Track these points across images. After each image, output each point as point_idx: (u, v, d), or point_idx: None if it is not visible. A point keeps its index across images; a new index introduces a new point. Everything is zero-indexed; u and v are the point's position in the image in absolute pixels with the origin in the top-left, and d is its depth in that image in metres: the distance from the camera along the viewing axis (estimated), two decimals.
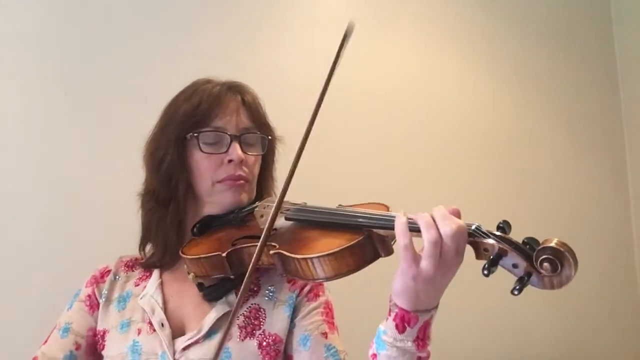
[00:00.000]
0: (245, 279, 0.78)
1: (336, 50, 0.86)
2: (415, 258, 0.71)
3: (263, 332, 0.95)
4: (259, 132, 1.05)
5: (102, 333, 1.02)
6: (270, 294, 0.99)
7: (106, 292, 1.05)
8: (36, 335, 1.06)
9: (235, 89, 1.05)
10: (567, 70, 2.40)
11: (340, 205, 0.93)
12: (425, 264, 0.70)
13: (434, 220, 0.71)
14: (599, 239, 2.35)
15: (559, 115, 2.37)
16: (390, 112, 2.11)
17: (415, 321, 0.74)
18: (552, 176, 2.32)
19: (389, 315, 0.76)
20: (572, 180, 2.36)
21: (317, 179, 1.83)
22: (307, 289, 1.00)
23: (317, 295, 1.00)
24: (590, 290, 2.22)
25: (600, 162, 2.43)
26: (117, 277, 1.08)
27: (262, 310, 0.97)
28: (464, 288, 1.95)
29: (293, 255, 0.79)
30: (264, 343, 0.94)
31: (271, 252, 0.84)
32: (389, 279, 0.77)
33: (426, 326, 0.75)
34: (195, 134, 1.00)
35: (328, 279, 0.78)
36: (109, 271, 1.09)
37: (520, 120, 2.31)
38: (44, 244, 1.61)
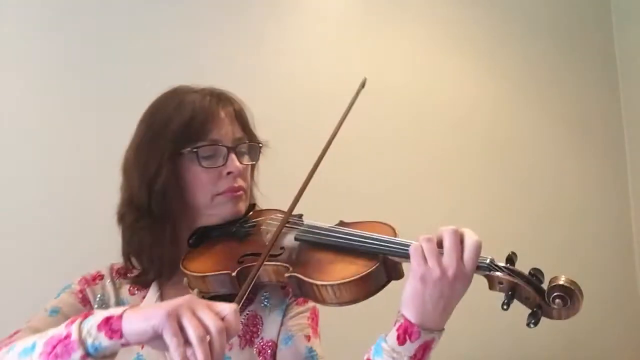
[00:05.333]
0: (243, 293, 0.77)
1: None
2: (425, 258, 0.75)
3: (262, 339, 0.96)
4: (250, 141, 1.06)
5: None
6: (265, 300, 1.01)
7: (101, 296, 1.02)
8: None
9: (224, 98, 1.04)
10: (567, 70, 2.40)
11: (341, 221, 0.95)
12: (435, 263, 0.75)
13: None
14: (599, 238, 2.35)
15: (559, 115, 2.37)
16: (390, 113, 2.10)
17: (417, 336, 0.76)
18: (552, 176, 2.33)
19: (394, 325, 0.78)
20: (572, 180, 2.36)
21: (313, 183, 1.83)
22: None
23: (305, 301, 1.01)
24: (590, 290, 2.19)
25: (600, 162, 2.43)
26: (112, 283, 1.04)
27: (258, 317, 0.99)
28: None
29: (311, 281, 0.81)
30: (262, 350, 0.95)
31: (286, 275, 0.84)
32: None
33: (426, 347, 0.77)
34: (194, 150, 0.98)
35: (343, 304, 0.80)
36: (101, 276, 1.05)
37: (520, 120, 2.31)
38: (44, 245, 1.62)
